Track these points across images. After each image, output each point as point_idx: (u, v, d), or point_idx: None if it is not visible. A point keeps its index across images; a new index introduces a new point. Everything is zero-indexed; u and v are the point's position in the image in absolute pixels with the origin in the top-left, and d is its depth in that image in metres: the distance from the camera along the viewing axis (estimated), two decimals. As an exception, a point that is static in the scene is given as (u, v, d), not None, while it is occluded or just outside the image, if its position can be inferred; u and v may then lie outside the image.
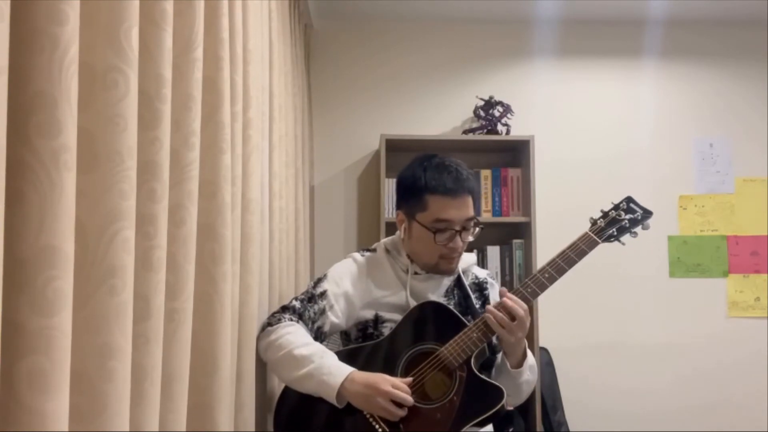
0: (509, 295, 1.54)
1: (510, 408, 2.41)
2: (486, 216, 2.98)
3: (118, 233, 0.73)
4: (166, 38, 0.88)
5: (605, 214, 1.65)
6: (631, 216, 1.63)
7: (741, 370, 3.12)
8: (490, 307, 1.54)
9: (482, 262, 2.94)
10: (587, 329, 3.12)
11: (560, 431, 2.84)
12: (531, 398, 2.79)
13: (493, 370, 1.66)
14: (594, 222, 1.65)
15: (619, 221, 1.63)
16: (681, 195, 3.21)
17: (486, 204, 2.98)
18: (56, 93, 0.63)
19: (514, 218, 2.96)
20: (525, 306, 1.53)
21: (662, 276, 3.18)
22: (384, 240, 1.79)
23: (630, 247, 3.10)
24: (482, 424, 1.50)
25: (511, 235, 3.01)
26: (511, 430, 1.78)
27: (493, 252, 2.95)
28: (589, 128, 3.22)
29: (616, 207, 1.66)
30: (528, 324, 1.54)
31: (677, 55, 3.27)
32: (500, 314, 1.51)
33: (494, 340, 1.71)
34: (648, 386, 3.12)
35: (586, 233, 1.62)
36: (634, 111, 3.25)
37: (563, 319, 3.04)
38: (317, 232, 3.12)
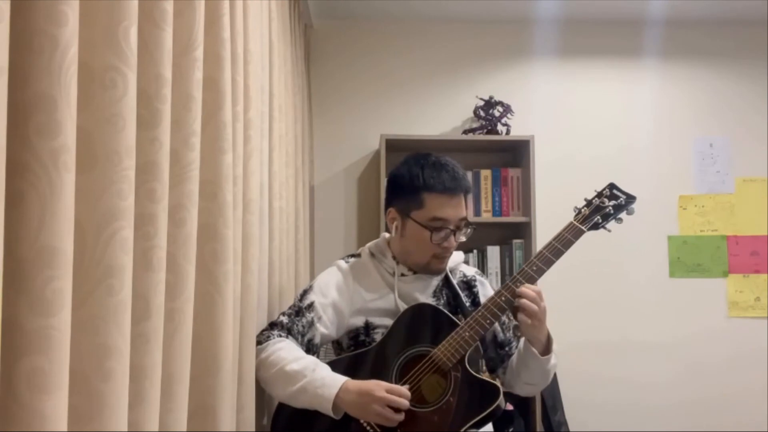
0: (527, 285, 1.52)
1: (511, 408, 2.42)
2: (486, 216, 2.98)
3: (117, 233, 0.73)
4: (166, 38, 0.88)
5: (589, 202, 1.63)
6: (615, 202, 1.61)
7: (741, 371, 3.12)
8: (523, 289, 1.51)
9: (482, 262, 2.94)
10: (587, 329, 3.12)
11: (560, 431, 2.83)
12: (531, 398, 2.79)
13: (515, 359, 1.64)
14: (578, 211, 1.62)
15: (603, 208, 1.60)
16: (681, 195, 3.21)
17: (486, 204, 2.98)
18: (56, 94, 0.63)
19: (514, 218, 2.96)
20: (537, 289, 1.51)
21: (662, 276, 3.18)
22: (368, 244, 1.77)
23: (630, 247, 3.14)
24: (481, 423, 1.48)
25: (511, 235, 3.01)
26: (511, 430, 1.78)
27: (493, 252, 2.95)
28: (589, 128, 3.22)
29: (600, 194, 1.64)
30: (543, 307, 1.51)
31: (677, 55, 3.27)
32: (531, 293, 1.49)
33: (502, 335, 1.70)
34: (648, 386, 3.12)
35: (571, 223, 1.59)
36: (634, 111, 3.25)
37: (563, 318, 3.03)
38: (317, 232, 3.12)
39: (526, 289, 1.50)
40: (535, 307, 1.48)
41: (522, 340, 1.60)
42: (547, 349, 1.57)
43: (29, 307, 0.61)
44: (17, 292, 0.61)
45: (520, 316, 1.50)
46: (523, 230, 2.97)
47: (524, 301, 1.49)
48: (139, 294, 0.82)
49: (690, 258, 3.18)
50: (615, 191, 1.64)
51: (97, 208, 0.72)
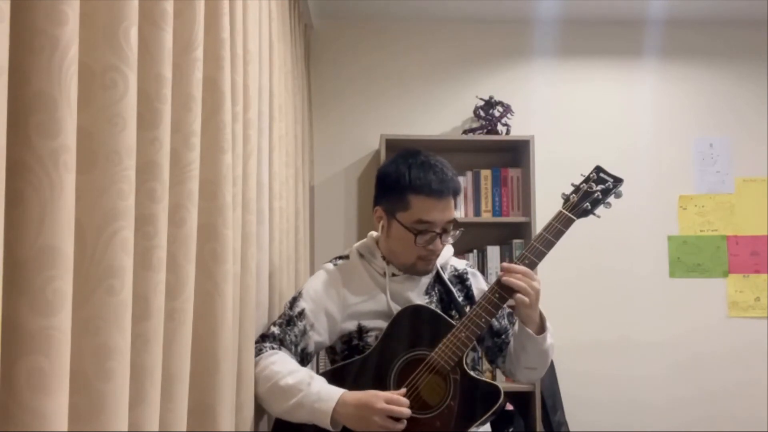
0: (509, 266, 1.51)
1: (511, 408, 2.42)
2: (486, 216, 2.98)
3: (117, 233, 0.73)
4: (166, 38, 0.88)
5: (577, 188, 1.58)
6: (603, 186, 1.56)
7: (741, 371, 3.12)
8: (507, 265, 1.50)
9: (482, 262, 2.94)
10: (587, 330, 3.12)
11: (560, 431, 2.83)
12: (531, 398, 2.80)
13: (511, 346, 1.62)
14: (567, 198, 1.57)
15: (591, 193, 1.55)
16: (681, 195, 3.21)
17: (486, 204, 2.98)
18: (56, 93, 0.63)
19: (514, 218, 2.97)
20: (524, 269, 1.49)
21: (662, 276, 3.18)
22: (356, 244, 1.73)
23: (630, 247, 3.14)
24: (481, 424, 1.47)
25: (511, 235, 3.01)
26: (511, 430, 1.77)
27: (493, 252, 2.95)
28: (589, 128, 3.22)
29: (587, 179, 1.58)
30: (535, 286, 1.49)
31: (677, 55, 3.27)
32: (517, 273, 1.48)
33: (497, 323, 1.67)
34: (648, 386, 3.12)
35: (560, 212, 1.55)
36: (634, 111, 3.25)
37: (563, 319, 3.03)
38: (317, 232, 3.12)
39: (512, 268, 1.48)
40: (522, 284, 1.46)
41: (516, 323, 1.58)
42: (541, 328, 1.55)
43: (29, 307, 0.61)
44: (17, 292, 0.61)
45: (517, 296, 1.47)
46: (523, 230, 2.97)
47: (514, 281, 1.47)
48: (139, 294, 0.82)
49: (690, 258, 3.18)
50: (602, 174, 1.59)
51: (98, 208, 0.72)
